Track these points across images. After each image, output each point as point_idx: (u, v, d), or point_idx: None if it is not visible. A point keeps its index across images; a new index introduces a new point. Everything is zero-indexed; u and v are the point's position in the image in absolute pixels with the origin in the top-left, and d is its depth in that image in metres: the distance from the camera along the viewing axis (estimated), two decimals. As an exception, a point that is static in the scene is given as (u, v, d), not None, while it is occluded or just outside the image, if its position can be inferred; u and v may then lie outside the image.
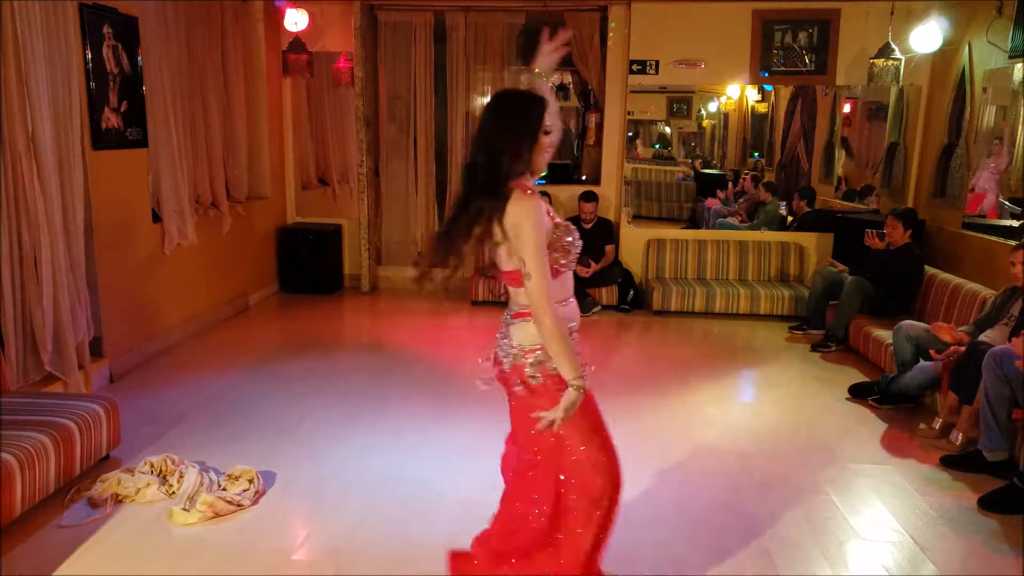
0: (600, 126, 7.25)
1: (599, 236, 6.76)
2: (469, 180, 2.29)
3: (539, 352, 2.28)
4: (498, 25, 7.25)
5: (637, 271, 7.27)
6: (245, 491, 3.36)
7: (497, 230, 2.23)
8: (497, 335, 2.44)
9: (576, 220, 6.89)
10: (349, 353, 5.79)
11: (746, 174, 8.19)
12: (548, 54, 2.48)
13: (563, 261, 2.30)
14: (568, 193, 7.24)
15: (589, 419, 2.35)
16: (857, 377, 5.16)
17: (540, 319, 2.20)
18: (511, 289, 2.38)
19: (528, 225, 2.19)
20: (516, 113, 2.25)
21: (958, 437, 4.04)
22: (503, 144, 2.21)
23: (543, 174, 7.50)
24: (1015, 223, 5.40)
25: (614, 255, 7.10)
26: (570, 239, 2.31)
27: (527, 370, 2.30)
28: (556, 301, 2.26)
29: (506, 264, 2.33)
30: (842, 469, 3.85)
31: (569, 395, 2.19)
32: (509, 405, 2.44)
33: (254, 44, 6.82)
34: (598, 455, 2.33)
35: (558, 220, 2.34)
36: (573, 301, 2.41)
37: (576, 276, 2.51)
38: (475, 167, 2.25)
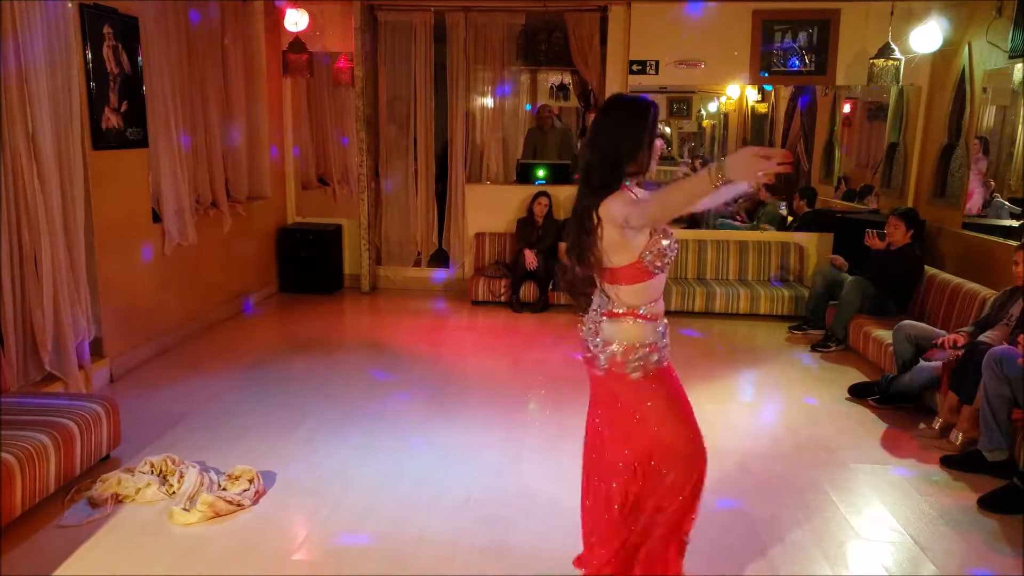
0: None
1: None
2: (585, 182, 2.38)
3: (613, 347, 2.42)
4: (498, 25, 7.25)
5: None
6: (245, 491, 3.36)
7: (593, 220, 2.33)
8: (583, 331, 2.55)
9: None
10: (349, 353, 5.79)
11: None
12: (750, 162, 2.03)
13: (658, 264, 2.38)
14: (567, 193, 7.23)
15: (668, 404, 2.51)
16: (857, 377, 5.16)
17: (657, 211, 2.24)
18: (605, 287, 2.47)
19: (616, 206, 2.30)
20: (632, 116, 2.35)
21: (958, 437, 4.04)
22: (619, 146, 2.31)
23: (541, 177, 7.27)
24: (1015, 223, 5.41)
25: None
26: (666, 243, 2.38)
27: (601, 358, 2.46)
28: (646, 301, 2.42)
29: (604, 260, 2.41)
30: (842, 469, 3.85)
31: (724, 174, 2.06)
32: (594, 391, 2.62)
33: (254, 44, 6.82)
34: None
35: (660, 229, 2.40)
36: (661, 302, 2.51)
37: None
38: (590, 169, 2.35)
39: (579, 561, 2.73)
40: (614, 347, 2.42)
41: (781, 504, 3.47)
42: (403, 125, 7.57)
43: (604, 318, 2.46)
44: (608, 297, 2.46)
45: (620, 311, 2.43)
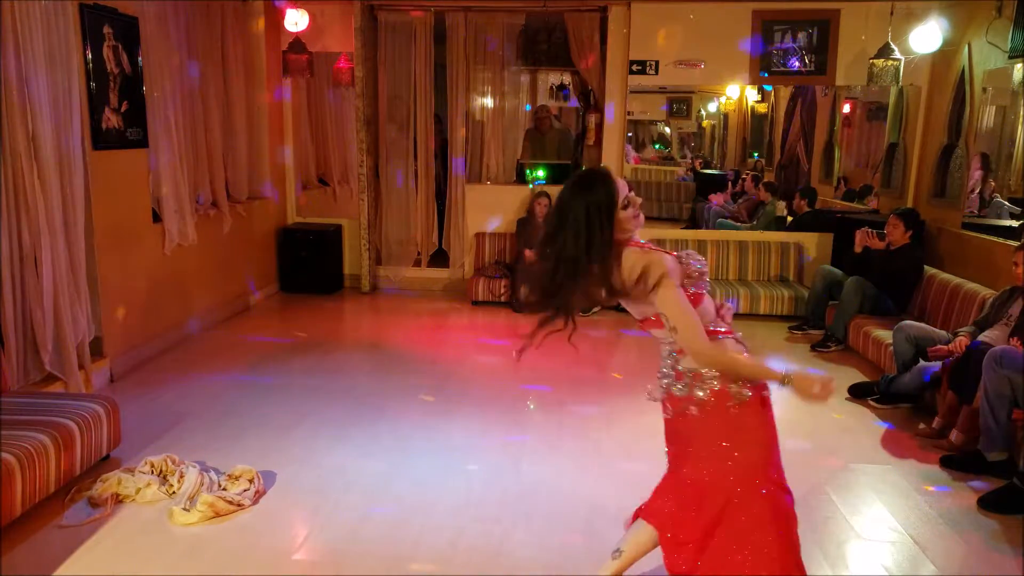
0: (600, 126, 7.25)
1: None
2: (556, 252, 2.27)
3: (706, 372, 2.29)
4: (498, 25, 7.25)
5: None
6: (245, 491, 3.36)
7: (618, 284, 2.25)
8: (661, 369, 2.44)
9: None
10: (349, 353, 5.79)
11: (746, 174, 8.20)
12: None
13: (693, 289, 2.29)
14: (568, 193, 7.22)
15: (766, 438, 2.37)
16: (857, 377, 5.16)
17: (708, 364, 2.25)
18: (657, 331, 2.38)
19: (656, 273, 2.20)
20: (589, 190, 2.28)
21: (958, 437, 4.05)
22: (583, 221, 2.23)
23: (536, 184, 7.21)
24: (1015, 223, 5.41)
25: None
26: (697, 265, 2.32)
27: (699, 393, 2.30)
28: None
29: (638, 314, 2.37)
30: (842, 469, 3.85)
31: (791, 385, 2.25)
32: (676, 432, 2.45)
33: (254, 44, 6.82)
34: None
35: (675, 254, 2.34)
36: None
37: None
38: (564, 241, 2.25)
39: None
40: (688, 377, 2.33)
41: (781, 504, 3.47)
42: (403, 125, 7.57)
43: (674, 354, 2.37)
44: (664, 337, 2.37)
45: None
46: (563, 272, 2.25)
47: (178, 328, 5.67)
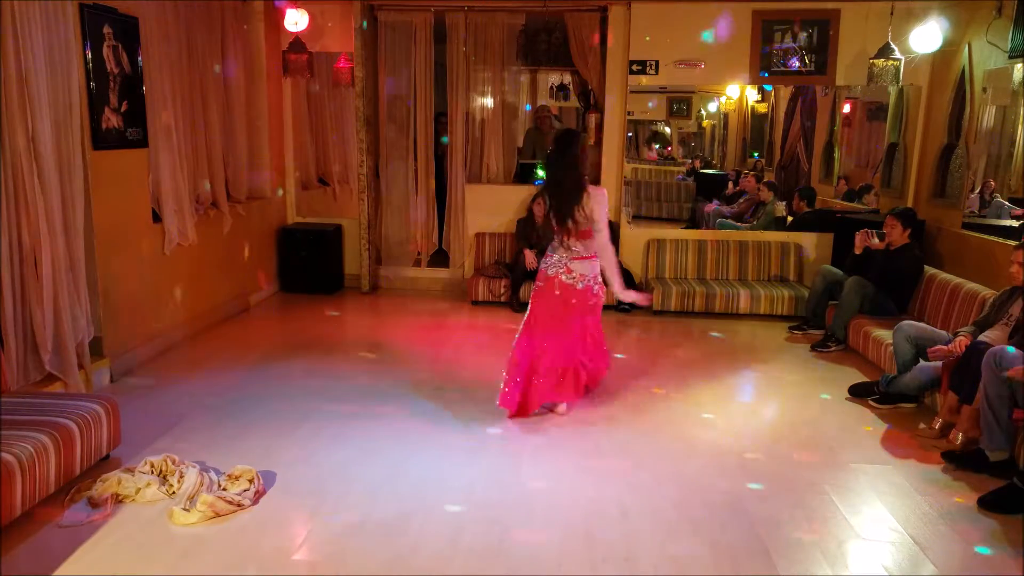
0: (600, 126, 7.25)
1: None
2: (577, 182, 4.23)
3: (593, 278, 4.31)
4: (498, 25, 7.25)
5: (637, 271, 7.27)
6: (245, 491, 3.36)
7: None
8: (551, 262, 4.35)
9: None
10: (349, 353, 5.79)
11: (746, 174, 8.20)
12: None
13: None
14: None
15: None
16: (857, 377, 5.16)
17: (608, 253, 4.32)
18: (578, 241, 4.25)
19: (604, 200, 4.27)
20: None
21: (958, 437, 4.04)
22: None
23: (541, 176, 7.36)
24: (1015, 223, 5.41)
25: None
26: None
27: (563, 279, 4.28)
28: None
29: (582, 225, 4.20)
30: (842, 469, 3.85)
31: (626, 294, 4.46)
32: (574, 309, 4.31)
33: (254, 44, 6.82)
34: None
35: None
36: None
37: None
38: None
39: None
40: (577, 276, 4.28)
41: (781, 504, 3.47)
42: (403, 125, 7.57)
43: (573, 261, 4.29)
44: (576, 247, 4.28)
45: (583, 255, 4.29)
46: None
47: (178, 328, 5.67)
